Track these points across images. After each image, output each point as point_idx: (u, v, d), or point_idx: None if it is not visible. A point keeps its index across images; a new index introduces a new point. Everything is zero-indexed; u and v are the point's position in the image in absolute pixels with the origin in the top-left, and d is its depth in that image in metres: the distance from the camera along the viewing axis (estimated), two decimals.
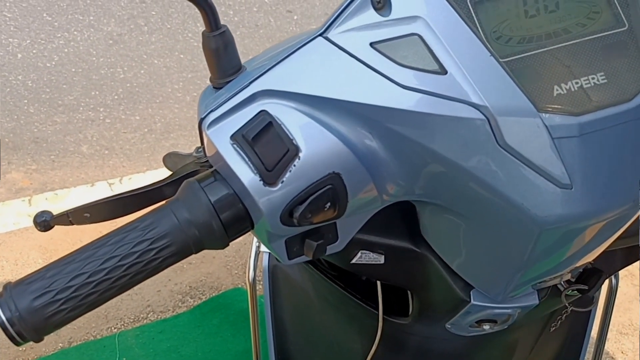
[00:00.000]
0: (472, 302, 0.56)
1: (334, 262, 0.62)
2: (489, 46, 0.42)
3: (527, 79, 0.42)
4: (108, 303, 0.45)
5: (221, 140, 0.43)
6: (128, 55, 2.61)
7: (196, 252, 0.44)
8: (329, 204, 0.44)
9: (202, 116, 0.44)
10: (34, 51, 2.55)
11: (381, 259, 0.58)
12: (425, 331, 0.67)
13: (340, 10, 0.43)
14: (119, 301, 1.68)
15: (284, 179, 0.42)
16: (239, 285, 1.77)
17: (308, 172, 0.43)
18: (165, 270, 0.44)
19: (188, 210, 0.43)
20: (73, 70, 2.50)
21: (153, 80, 2.51)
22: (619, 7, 0.44)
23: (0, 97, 2.32)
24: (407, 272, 0.59)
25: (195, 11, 2.70)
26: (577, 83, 0.43)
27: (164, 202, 0.46)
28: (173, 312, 1.69)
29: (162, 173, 2.10)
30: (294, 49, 0.44)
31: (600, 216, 0.45)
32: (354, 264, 0.58)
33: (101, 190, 2.02)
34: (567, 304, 0.61)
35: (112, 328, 1.63)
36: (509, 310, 0.57)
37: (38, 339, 0.41)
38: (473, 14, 0.42)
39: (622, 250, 0.67)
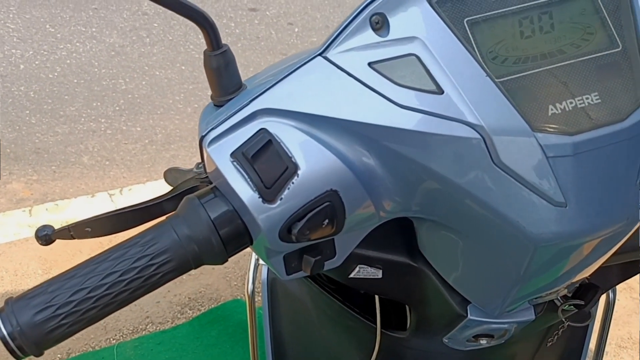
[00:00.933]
0: (469, 316, 0.56)
1: (332, 276, 0.62)
2: (485, 66, 0.43)
3: (522, 99, 0.43)
4: None
5: (221, 158, 0.43)
6: (130, 66, 2.63)
7: (195, 268, 0.45)
8: (327, 220, 0.44)
9: (203, 134, 0.44)
10: (37, 62, 2.57)
11: (379, 274, 0.58)
12: (422, 345, 0.67)
13: (339, 31, 0.44)
14: (118, 312, 1.68)
15: (283, 196, 0.43)
16: (238, 297, 1.77)
17: (306, 190, 0.43)
18: None
19: (188, 226, 0.44)
20: (75, 81, 2.52)
21: (154, 91, 2.53)
22: (613, 29, 0.45)
23: (3, 108, 2.33)
24: (404, 287, 0.60)
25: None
26: (571, 103, 0.43)
27: (164, 217, 0.46)
28: (172, 323, 1.69)
29: (162, 184, 2.10)
30: (294, 68, 0.44)
31: (594, 234, 0.45)
32: (352, 278, 0.59)
33: (102, 201, 2.02)
34: (563, 319, 0.61)
35: (111, 339, 1.63)
36: (505, 325, 0.57)
37: (38, 354, 0.41)
38: (469, 35, 0.43)
39: (619, 265, 0.67)
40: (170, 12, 0.42)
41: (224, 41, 0.45)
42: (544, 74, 0.44)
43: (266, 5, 3.20)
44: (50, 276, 0.42)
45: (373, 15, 0.43)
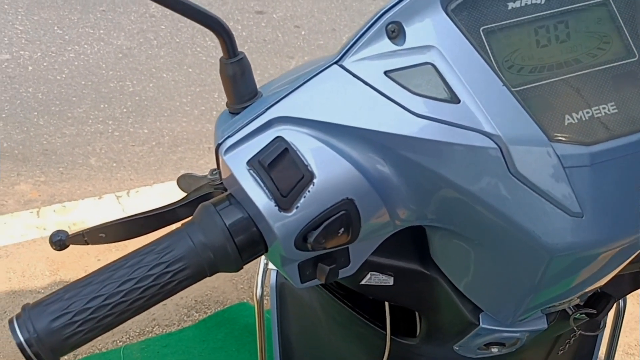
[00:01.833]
0: (481, 325, 0.56)
1: (343, 283, 0.62)
2: (501, 75, 0.43)
3: (538, 108, 0.43)
4: None
5: (238, 166, 0.43)
6: (137, 68, 2.64)
7: (210, 275, 0.45)
8: (342, 229, 0.44)
9: (219, 141, 0.45)
10: (45, 64, 2.58)
11: (390, 281, 0.58)
12: (432, 352, 0.67)
13: (355, 39, 0.44)
14: None
15: (299, 204, 0.43)
16: (245, 300, 1.77)
17: (322, 198, 0.43)
18: None
19: (204, 234, 0.44)
20: (83, 83, 2.53)
21: (162, 93, 2.53)
22: (629, 38, 0.45)
23: (11, 109, 2.35)
24: (416, 294, 0.60)
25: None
26: (588, 113, 0.43)
27: (179, 224, 0.46)
28: (178, 326, 1.69)
29: (169, 186, 2.11)
30: (310, 76, 0.44)
31: (610, 244, 0.45)
32: (363, 285, 0.59)
33: (109, 203, 2.03)
34: (575, 328, 0.61)
35: (118, 341, 1.63)
36: (517, 334, 0.57)
37: None
38: (485, 44, 0.43)
39: (631, 274, 0.67)
40: (177, 14, 0.42)
41: None
42: (560, 83, 0.44)
43: (273, 8, 3.21)
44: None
45: (389, 24, 0.43)
